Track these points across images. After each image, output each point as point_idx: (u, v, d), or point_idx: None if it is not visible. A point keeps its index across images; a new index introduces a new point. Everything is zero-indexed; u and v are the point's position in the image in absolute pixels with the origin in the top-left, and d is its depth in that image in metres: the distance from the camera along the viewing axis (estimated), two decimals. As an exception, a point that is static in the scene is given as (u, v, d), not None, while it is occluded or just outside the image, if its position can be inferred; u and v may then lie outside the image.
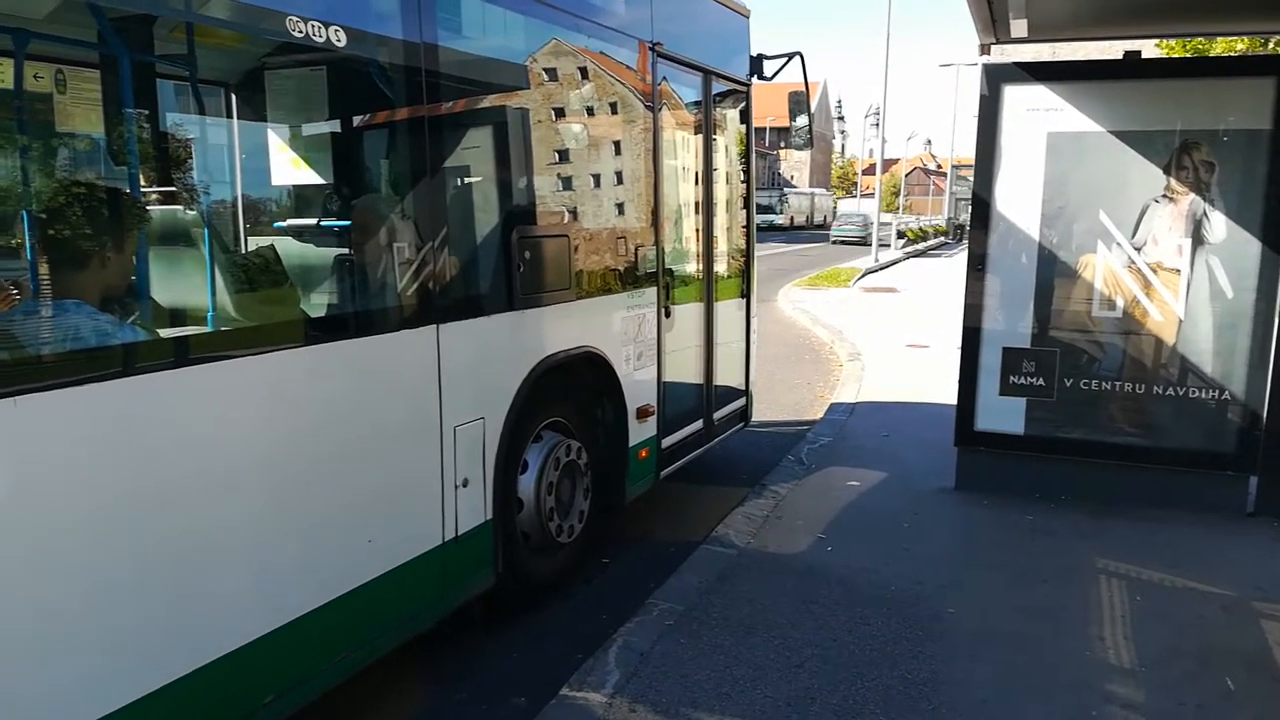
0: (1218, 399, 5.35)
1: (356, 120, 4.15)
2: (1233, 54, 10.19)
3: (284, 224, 4.27)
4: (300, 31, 2.94)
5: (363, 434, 3.25)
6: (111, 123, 3.43)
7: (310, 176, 4.23)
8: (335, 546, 3.15)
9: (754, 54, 6.22)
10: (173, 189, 3.78)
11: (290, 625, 2.95)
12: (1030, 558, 4.80)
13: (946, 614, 4.13)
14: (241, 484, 2.81)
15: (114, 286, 2.79)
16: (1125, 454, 5.53)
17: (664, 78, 5.17)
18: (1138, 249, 5.38)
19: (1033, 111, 5.47)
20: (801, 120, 6.62)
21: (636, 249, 4.93)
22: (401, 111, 3.52)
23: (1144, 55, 5.66)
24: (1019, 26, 5.60)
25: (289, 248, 3.86)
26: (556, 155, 4.43)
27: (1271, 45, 10.28)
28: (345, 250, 3.71)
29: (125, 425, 2.45)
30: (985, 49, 6.22)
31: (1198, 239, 5.28)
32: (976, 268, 5.69)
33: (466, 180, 3.98)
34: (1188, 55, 10.42)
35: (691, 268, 5.75)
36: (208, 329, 3.25)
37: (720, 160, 6.06)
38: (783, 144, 66.61)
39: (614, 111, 4.82)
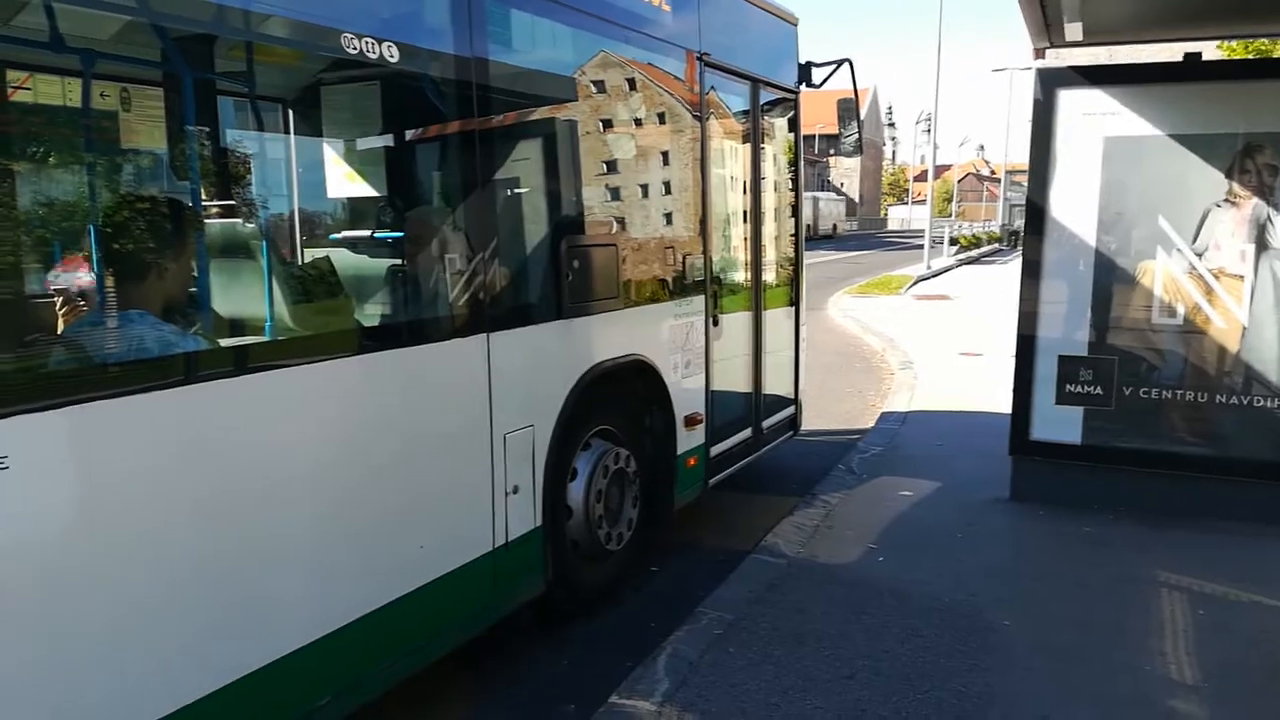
0: (1284, 408, 5.20)
1: (409, 134, 4.23)
2: (1298, 54, 9.92)
3: (341, 236, 4.37)
4: (355, 48, 3.02)
5: (416, 441, 3.31)
6: (204, 140, 3.57)
7: (367, 190, 4.32)
8: (389, 551, 3.20)
9: (802, 61, 6.25)
10: (235, 203, 3.89)
11: (345, 628, 3.00)
12: (1087, 570, 4.70)
13: (1001, 626, 4.06)
14: (302, 489, 2.88)
15: (180, 299, 2.89)
16: (1186, 464, 5.40)
17: (712, 87, 5.19)
18: (1199, 255, 5.26)
19: (1089, 116, 5.38)
20: (851, 127, 6.62)
21: (684, 258, 4.97)
22: (454, 125, 3.60)
23: (1204, 57, 5.53)
24: (1073, 30, 5.52)
25: (346, 259, 3.96)
26: (605, 166, 4.49)
27: (1339, 44, 9.99)
28: (400, 261, 3.80)
29: (193, 431, 2.55)
30: (1039, 53, 6.15)
31: (1261, 244, 5.14)
32: (1032, 274, 5.60)
33: (516, 191, 4.03)
34: (1250, 57, 10.16)
35: (740, 276, 5.78)
36: (266, 338, 3.31)
37: (768, 169, 6.08)
38: (832, 151, 66.01)
39: (661, 122, 4.88)
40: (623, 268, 4.45)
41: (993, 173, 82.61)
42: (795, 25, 6.26)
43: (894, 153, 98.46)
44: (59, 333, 2.84)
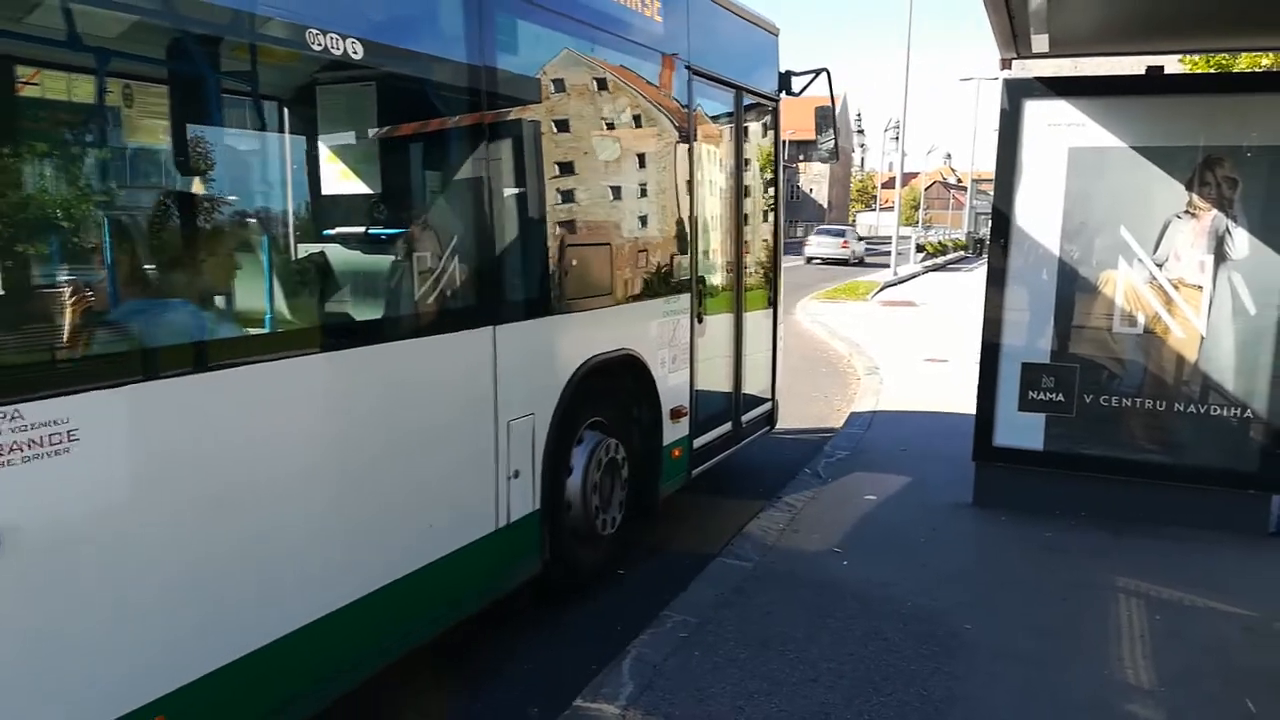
0: (1240, 417, 5.30)
1: (447, 150, 4.25)
2: (1257, 69, 10.12)
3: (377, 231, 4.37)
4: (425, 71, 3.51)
5: (434, 425, 3.55)
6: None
7: (392, 194, 4.39)
8: (401, 529, 3.42)
9: (782, 70, 6.43)
10: (301, 213, 4.12)
11: (360, 601, 3.20)
12: (1048, 575, 4.76)
13: (964, 630, 4.10)
14: (326, 468, 3.09)
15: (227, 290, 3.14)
16: (1145, 471, 5.49)
17: (697, 93, 5.36)
18: (1159, 265, 5.35)
19: (1054, 126, 5.45)
20: (828, 134, 6.87)
21: (672, 258, 5.21)
22: (477, 138, 3.83)
23: (1167, 71, 5.63)
24: (1040, 41, 5.58)
25: (361, 258, 4.07)
26: (599, 169, 4.67)
27: (1297, 61, 10.21)
28: (416, 257, 3.86)
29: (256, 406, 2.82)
30: (1006, 63, 6.22)
31: (1220, 255, 5.24)
32: (996, 283, 5.66)
33: (522, 191, 4.14)
34: (1211, 71, 10.35)
35: (722, 278, 5.98)
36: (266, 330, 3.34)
37: (750, 174, 6.32)
38: (802, 157, 66.62)
39: (650, 127, 5.07)
40: (615, 266, 4.68)
41: (959, 181, 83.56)
42: (776, 35, 6.42)
43: (863, 159, 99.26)
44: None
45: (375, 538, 3.28)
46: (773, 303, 6.71)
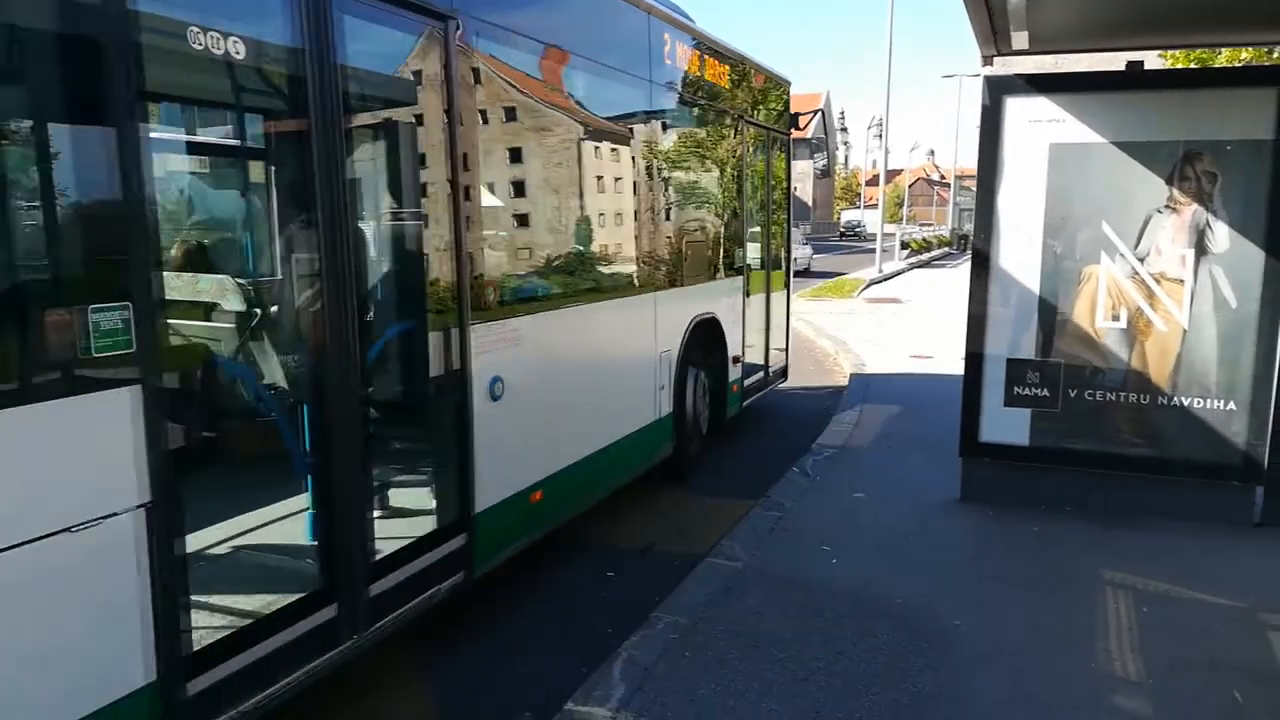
0: (1223, 409, 5.34)
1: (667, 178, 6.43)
2: (1236, 64, 10.19)
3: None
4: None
5: (635, 348, 5.89)
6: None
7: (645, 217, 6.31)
8: (623, 410, 5.74)
9: (792, 112, 8.70)
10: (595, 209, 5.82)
11: (605, 448, 5.43)
12: (1036, 570, 4.79)
13: (953, 627, 4.12)
14: (598, 369, 5.41)
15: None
16: (1131, 465, 5.52)
17: (747, 134, 7.58)
18: (1141, 259, 5.38)
19: (1035, 123, 5.48)
20: (822, 155, 10.18)
21: (734, 251, 7.49)
22: (661, 172, 6.18)
23: (1147, 66, 5.66)
24: (1020, 39, 5.61)
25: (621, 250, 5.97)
26: (701, 194, 6.97)
27: (1275, 56, 10.28)
28: (673, 247, 6.37)
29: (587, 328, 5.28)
30: (988, 60, 6.23)
31: (1201, 249, 5.27)
32: (980, 279, 5.69)
33: (668, 214, 6.36)
34: (1192, 66, 10.41)
35: (758, 266, 8.22)
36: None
37: (775, 190, 8.60)
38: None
39: (726, 160, 7.33)
40: (708, 258, 7.05)
41: (943, 177, 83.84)
42: (789, 84, 8.61)
43: (846, 157, 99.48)
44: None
45: (615, 413, 5.64)
46: (787, 285, 9.12)
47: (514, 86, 4.54)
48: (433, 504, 4.08)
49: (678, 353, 6.33)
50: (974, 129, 6.03)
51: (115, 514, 2.54)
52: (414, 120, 3.93)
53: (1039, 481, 5.69)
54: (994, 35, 5.61)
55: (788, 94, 8.60)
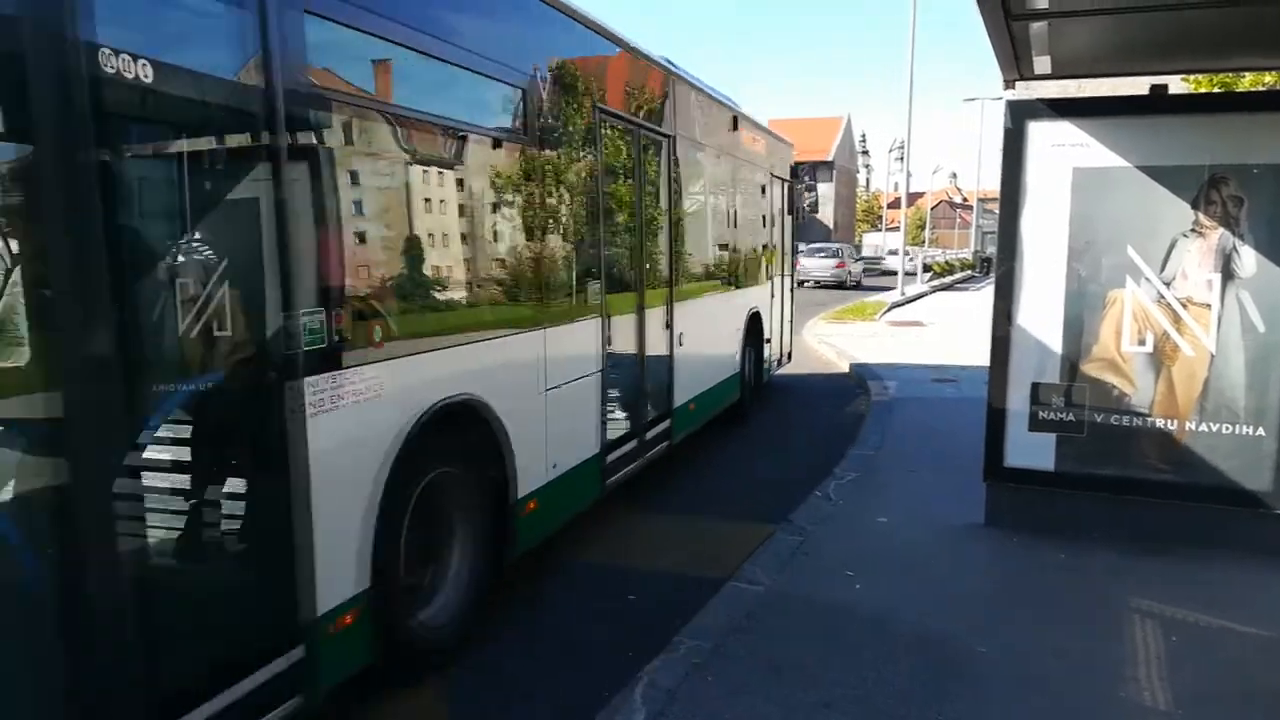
0: (1251, 435, 5.28)
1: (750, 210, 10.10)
2: (1261, 88, 10.15)
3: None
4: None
5: (728, 323, 9.13)
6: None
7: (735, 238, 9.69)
8: (719, 364, 8.78)
9: (794, 164, 12.32)
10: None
11: (708, 390, 8.32)
12: (1062, 596, 4.74)
13: (978, 654, 4.08)
14: (711, 338, 8.49)
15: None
16: (1158, 491, 5.46)
17: (772, 183, 10.83)
18: (1167, 284, 5.35)
19: (1058, 147, 5.47)
20: (813, 193, 12.89)
21: (770, 262, 10.79)
22: (739, 209, 9.53)
23: (1170, 90, 5.65)
24: (1042, 63, 5.61)
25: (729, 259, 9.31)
26: (757, 219, 10.25)
27: (1300, 79, 10.22)
28: (741, 261, 9.57)
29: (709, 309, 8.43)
30: (1010, 84, 6.23)
31: (1228, 274, 5.23)
32: (1004, 302, 5.67)
33: (739, 234, 9.48)
34: (1215, 90, 10.38)
35: (780, 273, 11.39)
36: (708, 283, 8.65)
37: (788, 218, 11.93)
38: (807, 179, 66.81)
39: (764, 200, 10.57)
40: (759, 266, 10.27)
41: (965, 200, 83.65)
42: (792, 146, 12.12)
43: (868, 180, 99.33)
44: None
45: (719, 364, 8.72)
46: (791, 291, 12.32)
47: (705, 174, 8.36)
48: (650, 406, 6.88)
49: (743, 331, 9.51)
50: (997, 152, 6.02)
51: None
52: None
53: (1065, 507, 5.63)
54: (1016, 60, 5.61)
55: (792, 152, 12.20)
